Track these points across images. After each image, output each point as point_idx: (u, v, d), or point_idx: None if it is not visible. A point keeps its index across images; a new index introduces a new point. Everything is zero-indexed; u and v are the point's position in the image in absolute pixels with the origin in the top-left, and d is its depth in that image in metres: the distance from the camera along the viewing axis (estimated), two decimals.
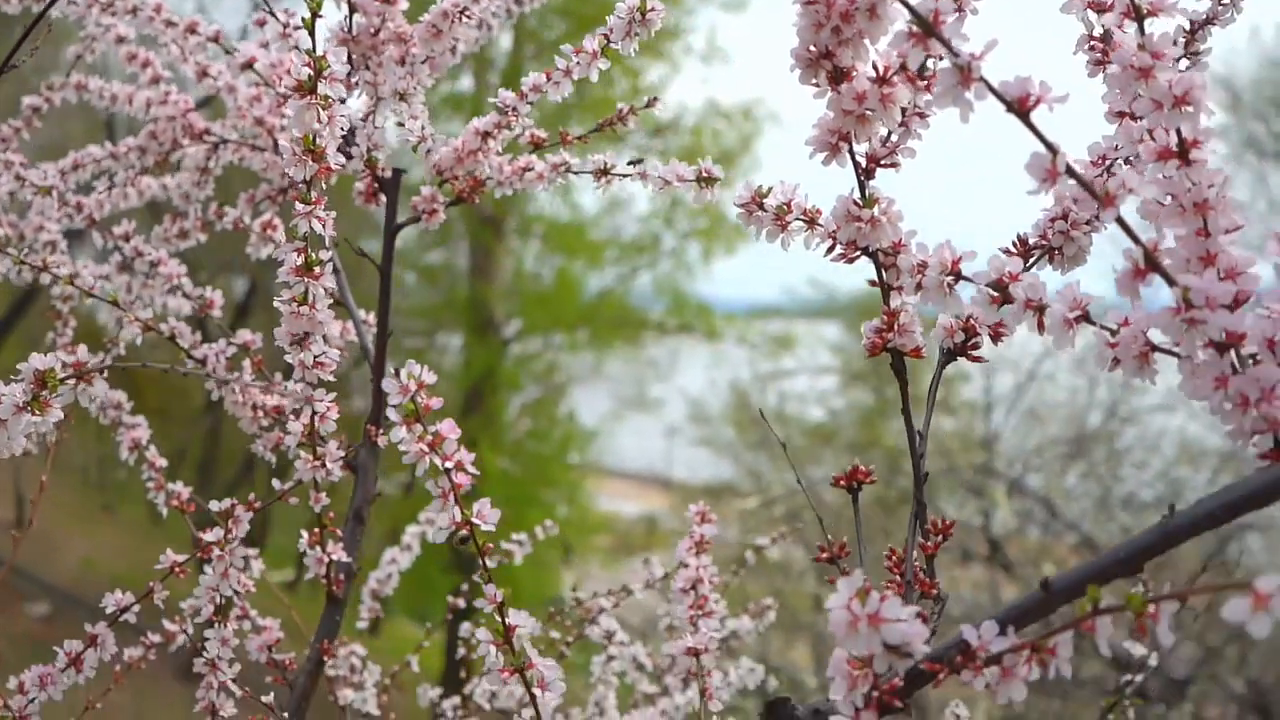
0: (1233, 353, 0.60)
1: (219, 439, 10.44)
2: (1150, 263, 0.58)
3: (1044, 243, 0.78)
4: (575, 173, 1.07)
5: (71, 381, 0.75)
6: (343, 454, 1.01)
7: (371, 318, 1.25)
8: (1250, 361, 0.59)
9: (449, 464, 0.70)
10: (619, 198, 12.44)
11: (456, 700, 1.54)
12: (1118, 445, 6.92)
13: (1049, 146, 0.57)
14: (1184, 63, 0.81)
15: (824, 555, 0.70)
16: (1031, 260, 0.78)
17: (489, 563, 0.77)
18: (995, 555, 6.13)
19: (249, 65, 1.09)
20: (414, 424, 0.70)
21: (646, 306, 12.34)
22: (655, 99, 1.14)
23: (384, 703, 1.43)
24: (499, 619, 0.74)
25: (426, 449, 0.70)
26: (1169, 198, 0.61)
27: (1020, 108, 0.57)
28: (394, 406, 0.69)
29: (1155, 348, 0.62)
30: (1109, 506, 6.10)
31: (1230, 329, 0.57)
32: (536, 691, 0.73)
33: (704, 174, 0.94)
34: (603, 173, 1.05)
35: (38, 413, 0.75)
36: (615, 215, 12.46)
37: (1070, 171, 0.57)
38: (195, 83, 1.25)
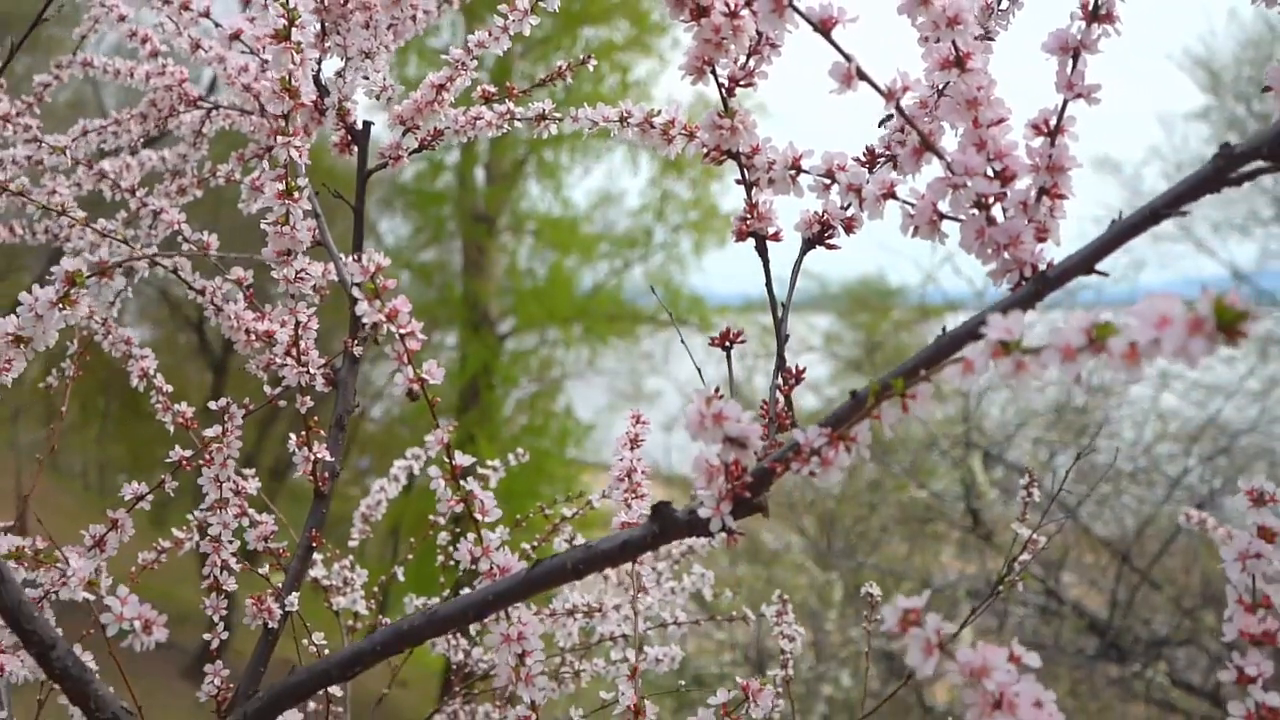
0: (999, 212, 0.77)
1: None
2: (925, 144, 0.75)
3: (888, 151, 0.95)
4: (519, 120, 1.25)
5: (95, 278, 0.92)
6: (324, 361, 1.18)
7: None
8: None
9: (403, 331, 0.88)
10: (610, 193, 12.61)
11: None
12: (1100, 419, 7.10)
13: (846, 57, 0.75)
14: (1005, 1, 0.98)
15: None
16: (878, 166, 0.95)
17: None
18: (976, 527, 6.31)
19: (236, 36, 1.26)
20: (374, 300, 0.88)
21: (639, 300, 12.49)
22: (589, 56, 1.32)
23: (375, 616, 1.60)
24: (447, 459, 0.91)
25: (385, 319, 0.87)
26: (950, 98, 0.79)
27: (824, 27, 0.75)
28: (356, 285, 0.87)
29: (943, 215, 0.79)
30: (1089, 478, 6.29)
31: (987, 193, 0.75)
32: (478, 516, 0.91)
33: (624, 115, 1.11)
34: (541, 118, 1.23)
35: (67, 307, 0.93)
36: (607, 210, 12.64)
37: (861, 75, 0.74)
38: (189, 55, 1.43)
